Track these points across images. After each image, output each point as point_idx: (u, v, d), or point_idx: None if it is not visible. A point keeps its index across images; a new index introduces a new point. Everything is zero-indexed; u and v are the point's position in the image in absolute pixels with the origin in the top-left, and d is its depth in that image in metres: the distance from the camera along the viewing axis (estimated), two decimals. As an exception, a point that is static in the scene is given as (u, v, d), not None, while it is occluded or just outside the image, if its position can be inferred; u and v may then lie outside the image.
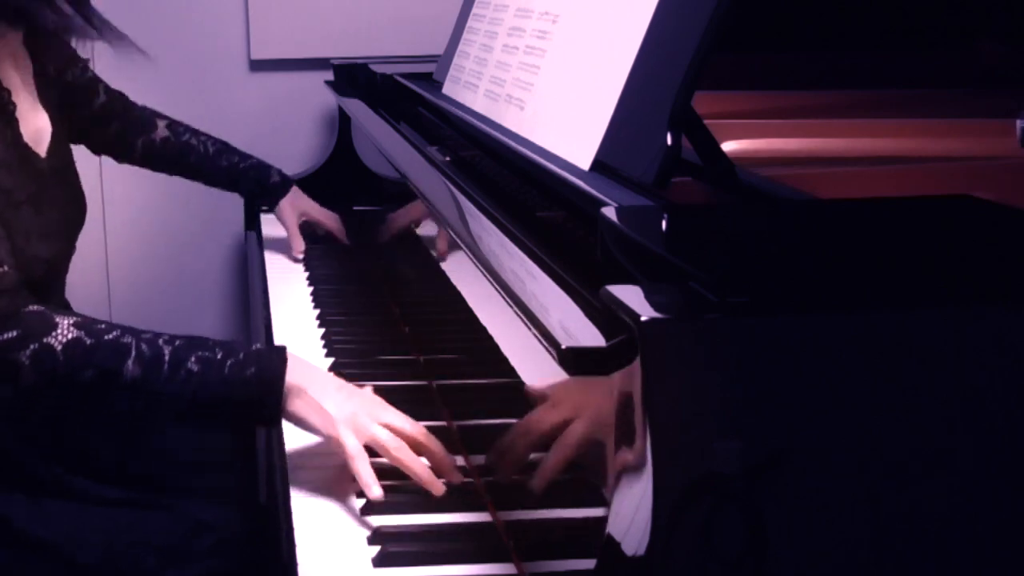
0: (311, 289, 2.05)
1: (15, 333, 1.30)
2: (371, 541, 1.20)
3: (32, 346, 1.30)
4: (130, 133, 2.04)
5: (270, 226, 2.36)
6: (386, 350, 1.72)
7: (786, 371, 0.77)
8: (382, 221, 2.06)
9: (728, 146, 1.32)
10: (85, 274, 2.24)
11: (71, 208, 1.66)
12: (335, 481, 1.33)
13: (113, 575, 1.46)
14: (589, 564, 0.85)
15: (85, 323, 1.32)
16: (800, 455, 0.77)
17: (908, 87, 1.74)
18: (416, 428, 1.31)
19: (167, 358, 1.30)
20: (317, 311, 1.92)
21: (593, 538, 0.85)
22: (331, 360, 1.69)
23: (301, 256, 2.19)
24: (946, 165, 1.30)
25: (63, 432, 1.59)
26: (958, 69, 1.86)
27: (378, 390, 1.48)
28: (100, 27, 1.57)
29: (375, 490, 1.25)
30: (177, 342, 1.32)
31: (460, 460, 1.36)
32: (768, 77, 1.77)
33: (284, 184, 2.19)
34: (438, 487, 1.27)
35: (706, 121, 1.11)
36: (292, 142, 2.73)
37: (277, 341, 1.79)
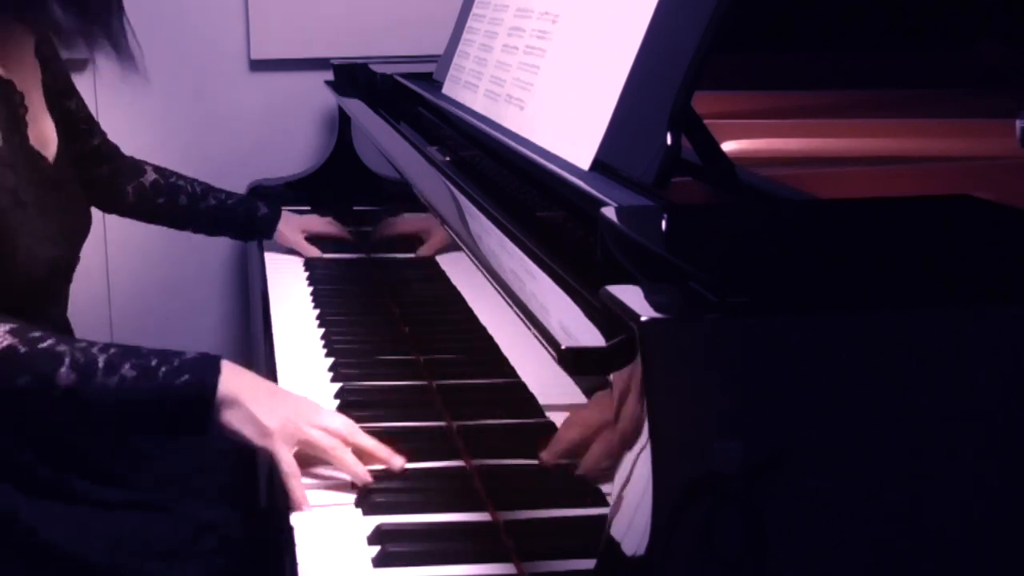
0: (311, 289, 2.05)
1: None
2: (371, 541, 1.20)
3: None
4: (121, 177, 2.02)
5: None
6: (386, 350, 1.72)
7: (786, 371, 0.77)
8: (386, 226, 2.06)
9: (728, 146, 1.32)
10: (85, 275, 2.24)
11: (74, 217, 1.67)
12: (334, 481, 1.33)
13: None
14: (589, 564, 0.85)
15: (19, 331, 1.34)
16: (800, 455, 0.77)
17: (908, 87, 1.74)
18: (350, 427, 1.33)
19: (100, 365, 1.31)
20: (317, 311, 1.92)
21: (593, 538, 0.85)
22: (331, 360, 1.69)
23: (320, 255, 2.22)
24: (946, 165, 1.30)
25: (61, 437, 1.59)
26: (958, 69, 1.86)
27: (378, 390, 1.49)
28: (118, 42, 1.58)
29: (305, 507, 1.27)
30: (112, 350, 1.33)
31: (460, 461, 1.36)
32: (768, 77, 1.77)
33: (274, 213, 2.21)
34: (364, 477, 1.29)
35: (706, 121, 1.11)
36: (292, 142, 2.73)
37: (277, 341, 1.79)
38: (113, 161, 2.00)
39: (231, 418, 1.31)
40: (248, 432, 1.31)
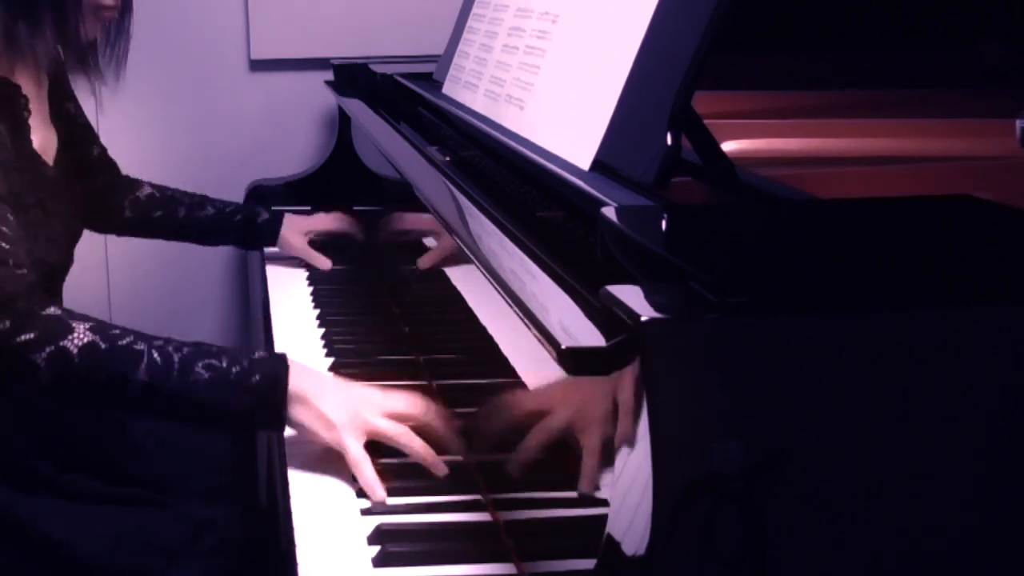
0: (311, 289, 2.05)
1: (33, 335, 1.34)
2: (371, 541, 1.20)
3: (49, 348, 1.34)
4: (117, 193, 2.00)
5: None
6: (386, 350, 1.72)
7: (786, 371, 0.77)
8: (386, 222, 2.04)
9: (728, 146, 1.32)
10: (85, 275, 2.24)
11: (74, 220, 1.69)
12: (335, 481, 1.33)
13: (115, 574, 1.46)
14: (589, 564, 0.85)
15: (100, 327, 1.37)
16: (800, 455, 0.77)
17: (908, 87, 1.74)
18: (417, 410, 1.35)
19: (176, 365, 1.34)
20: (317, 311, 1.92)
21: (593, 538, 0.85)
22: (331, 360, 1.69)
23: (330, 267, 2.12)
24: (946, 165, 1.30)
25: (63, 431, 1.60)
26: (958, 69, 1.86)
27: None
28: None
29: (379, 493, 1.28)
30: (185, 349, 1.36)
31: (459, 458, 1.36)
32: (768, 77, 1.77)
33: (275, 218, 2.13)
34: (441, 468, 1.33)
35: (706, 121, 1.11)
36: (292, 142, 2.73)
37: (277, 341, 1.79)
38: (110, 175, 1.98)
39: (299, 414, 1.34)
40: (316, 427, 1.34)
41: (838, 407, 0.77)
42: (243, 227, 2.12)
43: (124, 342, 1.35)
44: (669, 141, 1.06)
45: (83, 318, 1.38)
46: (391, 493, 1.29)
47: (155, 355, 1.34)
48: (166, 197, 2.06)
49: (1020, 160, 1.34)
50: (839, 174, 1.27)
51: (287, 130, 2.73)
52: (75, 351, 1.34)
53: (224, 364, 1.34)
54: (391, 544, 1.18)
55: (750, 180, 1.12)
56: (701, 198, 1.13)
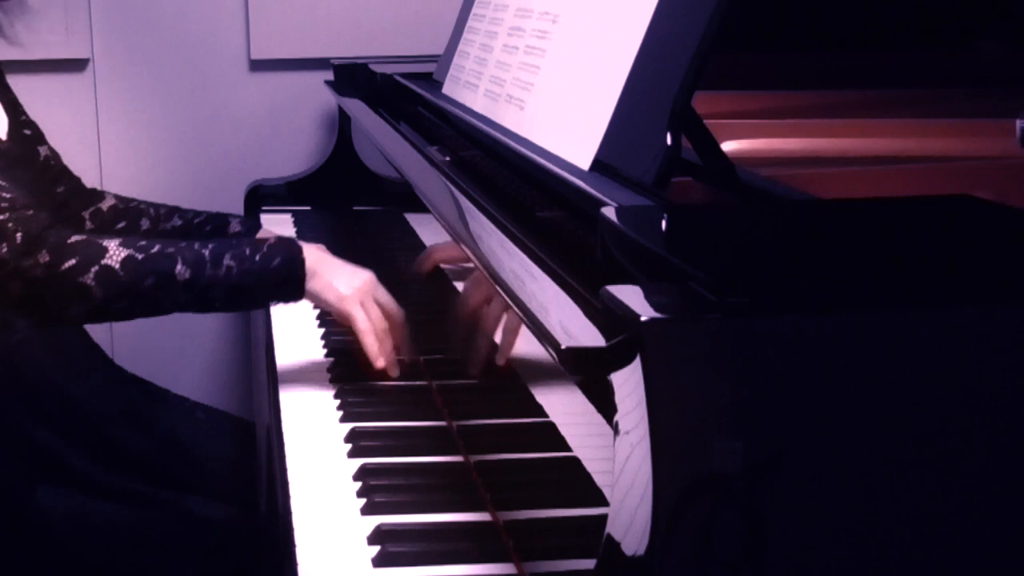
0: (311, 289, 2.04)
1: (75, 260, 1.45)
2: (371, 541, 1.20)
3: (94, 268, 1.45)
4: (76, 203, 1.89)
5: (270, 225, 2.36)
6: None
7: (786, 371, 0.77)
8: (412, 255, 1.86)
9: (728, 146, 1.32)
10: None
11: (40, 187, 1.67)
12: (336, 480, 1.33)
13: (114, 571, 1.46)
14: (589, 564, 0.85)
15: (127, 242, 1.48)
16: (800, 455, 0.77)
17: (908, 87, 1.74)
18: (399, 312, 1.56)
19: (208, 258, 1.48)
20: (317, 310, 1.91)
21: (593, 538, 0.85)
22: (331, 360, 1.68)
23: None
24: (946, 165, 1.30)
25: (72, 410, 1.60)
26: (958, 69, 1.86)
27: (378, 390, 1.49)
28: None
29: (381, 360, 1.50)
30: (209, 245, 1.50)
31: (460, 460, 1.36)
32: (768, 77, 1.77)
33: (248, 229, 1.96)
34: (380, 363, 1.52)
35: (706, 121, 1.11)
36: (292, 142, 2.73)
37: (277, 340, 1.79)
38: (67, 183, 1.89)
39: (314, 286, 1.52)
40: (328, 296, 1.52)
41: (838, 407, 0.77)
42: (210, 237, 1.91)
43: (155, 250, 1.47)
44: (669, 141, 1.06)
45: (109, 236, 1.48)
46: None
47: (187, 254, 1.47)
48: (130, 208, 1.94)
49: (1020, 160, 1.34)
50: (839, 174, 1.27)
51: (287, 130, 2.73)
52: (117, 266, 1.45)
53: (247, 252, 1.49)
54: (391, 544, 1.18)
55: (750, 180, 1.12)
56: (701, 198, 1.13)
